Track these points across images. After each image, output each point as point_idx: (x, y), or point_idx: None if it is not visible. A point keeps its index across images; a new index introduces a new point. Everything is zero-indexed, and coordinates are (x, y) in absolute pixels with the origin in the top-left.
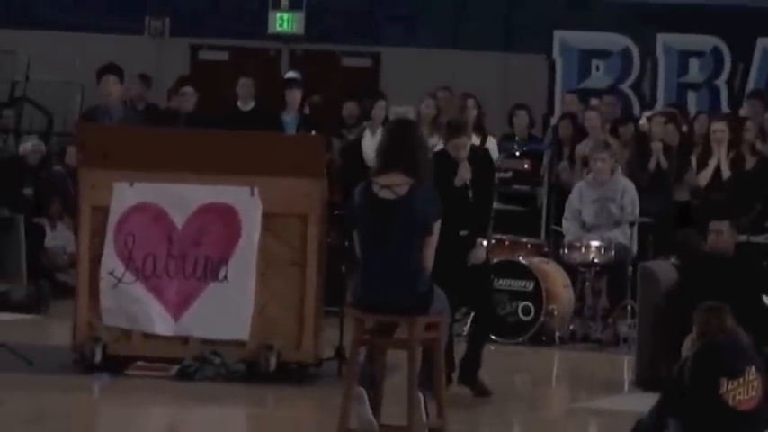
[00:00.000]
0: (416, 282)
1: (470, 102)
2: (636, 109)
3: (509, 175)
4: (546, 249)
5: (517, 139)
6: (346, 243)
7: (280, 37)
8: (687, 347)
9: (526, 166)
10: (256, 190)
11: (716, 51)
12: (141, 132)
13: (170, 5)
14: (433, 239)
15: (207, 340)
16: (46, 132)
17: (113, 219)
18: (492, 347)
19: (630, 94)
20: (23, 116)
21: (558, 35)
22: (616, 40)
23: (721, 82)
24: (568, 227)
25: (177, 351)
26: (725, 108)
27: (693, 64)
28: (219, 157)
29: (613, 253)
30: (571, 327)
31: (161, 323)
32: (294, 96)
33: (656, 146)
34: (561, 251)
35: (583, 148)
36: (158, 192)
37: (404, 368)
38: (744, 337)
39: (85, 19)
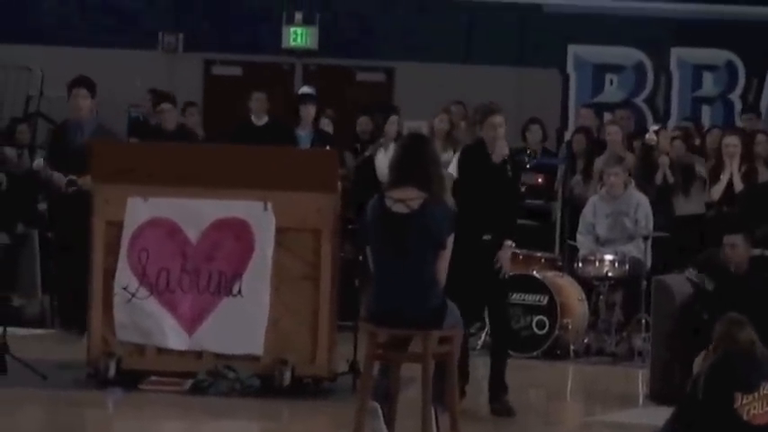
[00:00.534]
0: (430, 296)
1: None
2: (649, 123)
3: (523, 189)
4: (560, 263)
5: (528, 152)
6: (360, 257)
7: (293, 52)
8: (698, 363)
9: (540, 180)
10: (270, 204)
11: (730, 65)
12: (155, 147)
13: (183, 21)
14: (447, 253)
15: (221, 355)
16: None
17: (127, 234)
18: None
19: (644, 108)
20: (38, 132)
21: (571, 49)
22: (630, 55)
23: (735, 96)
24: (582, 241)
25: (191, 366)
26: (738, 122)
27: (707, 78)
28: (233, 171)
29: (627, 267)
30: (585, 340)
31: (175, 338)
32: (308, 111)
33: (663, 160)
34: (575, 265)
35: (601, 162)
36: (172, 207)
37: (418, 382)
38: (760, 352)
39: (99, 35)
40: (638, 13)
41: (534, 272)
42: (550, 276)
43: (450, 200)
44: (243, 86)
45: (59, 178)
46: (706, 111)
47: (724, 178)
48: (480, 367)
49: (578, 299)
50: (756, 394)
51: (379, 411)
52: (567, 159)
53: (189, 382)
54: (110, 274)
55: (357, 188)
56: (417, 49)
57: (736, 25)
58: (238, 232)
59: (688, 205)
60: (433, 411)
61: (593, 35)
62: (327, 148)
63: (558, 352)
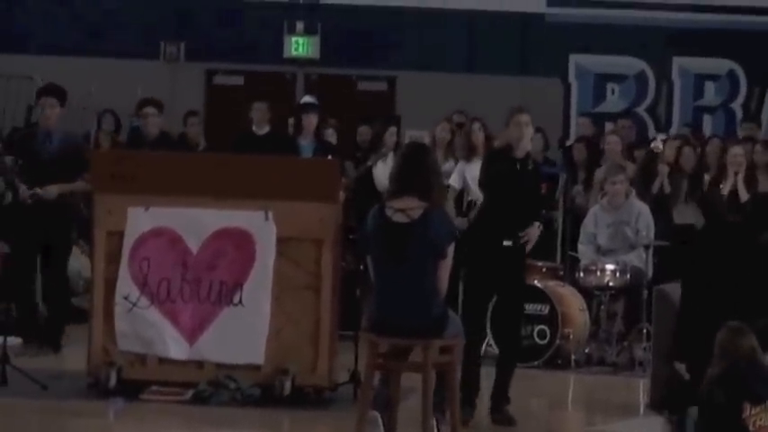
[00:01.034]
0: (431, 305)
1: (476, 125)
2: (651, 132)
3: None
4: (561, 273)
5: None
6: (361, 267)
7: (295, 61)
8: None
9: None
10: (271, 214)
11: (731, 75)
12: (156, 157)
13: (185, 30)
14: (447, 262)
15: (222, 365)
16: None
17: (128, 243)
18: None
19: (646, 117)
20: None
21: (573, 59)
22: (632, 64)
23: (737, 105)
24: (584, 251)
25: (192, 375)
26: (738, 131)
27: (709, 87)
28: (234, 181)
29: (629, 276)
30: (587, 350)
31: (176, 347)
32: (310, 121)
33: (663, 168)
34: (577, 275)
35: (602, 172)
36: (173, 216)
37: (419, 391)
38: (761, 359)
39: (101, 45)
40: (640, 23)
41: (535, 281)
42: (552, 286)
43: (450, 210)
44: (244, 96)
45: (24, 191)
46: (707, 120)
47: (725, 188)
48: (481, 377)
49: (579, 308)
50: (763, 406)
51: (380, 421)
52: (567, 168)
53: (190, 392)
54: (111, 284)
55: (358, 198)
56: (419, 58)
57: (738, 35)
58: (239, 242)
59: (687, 214)
60: (434, 421)
61: (595, 45)
62: (329, 157)
63: (559, 361)
